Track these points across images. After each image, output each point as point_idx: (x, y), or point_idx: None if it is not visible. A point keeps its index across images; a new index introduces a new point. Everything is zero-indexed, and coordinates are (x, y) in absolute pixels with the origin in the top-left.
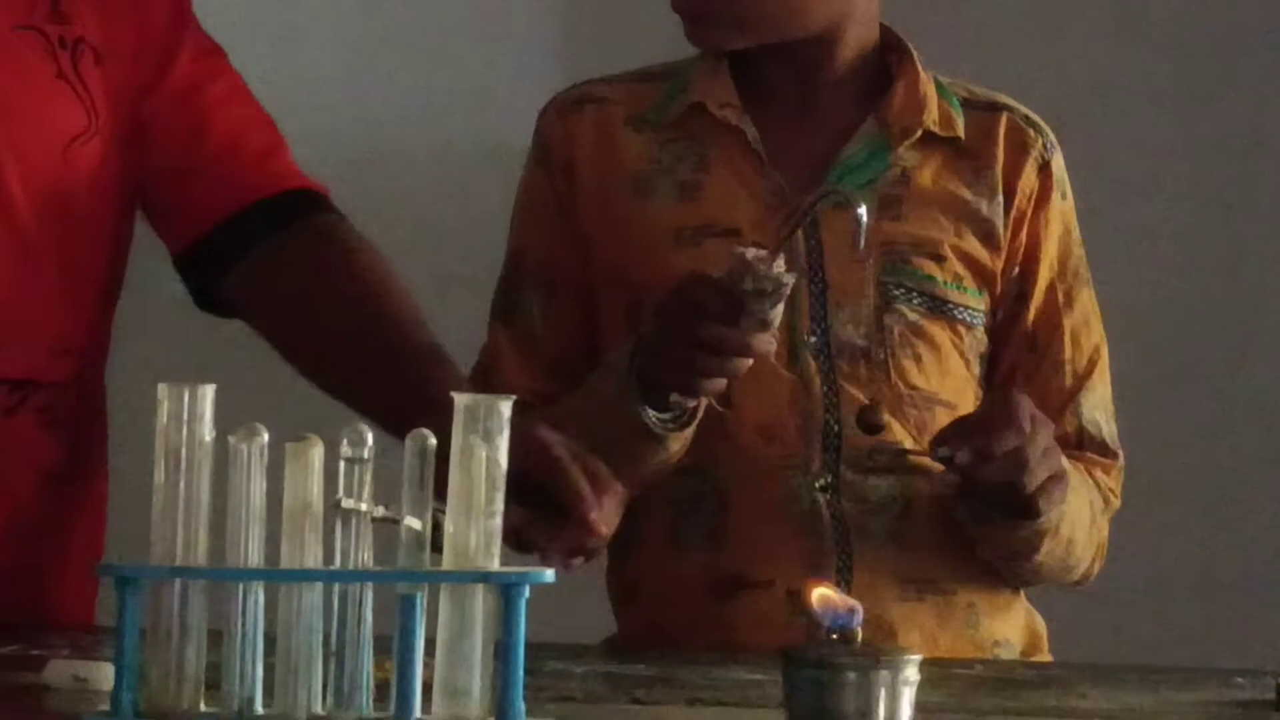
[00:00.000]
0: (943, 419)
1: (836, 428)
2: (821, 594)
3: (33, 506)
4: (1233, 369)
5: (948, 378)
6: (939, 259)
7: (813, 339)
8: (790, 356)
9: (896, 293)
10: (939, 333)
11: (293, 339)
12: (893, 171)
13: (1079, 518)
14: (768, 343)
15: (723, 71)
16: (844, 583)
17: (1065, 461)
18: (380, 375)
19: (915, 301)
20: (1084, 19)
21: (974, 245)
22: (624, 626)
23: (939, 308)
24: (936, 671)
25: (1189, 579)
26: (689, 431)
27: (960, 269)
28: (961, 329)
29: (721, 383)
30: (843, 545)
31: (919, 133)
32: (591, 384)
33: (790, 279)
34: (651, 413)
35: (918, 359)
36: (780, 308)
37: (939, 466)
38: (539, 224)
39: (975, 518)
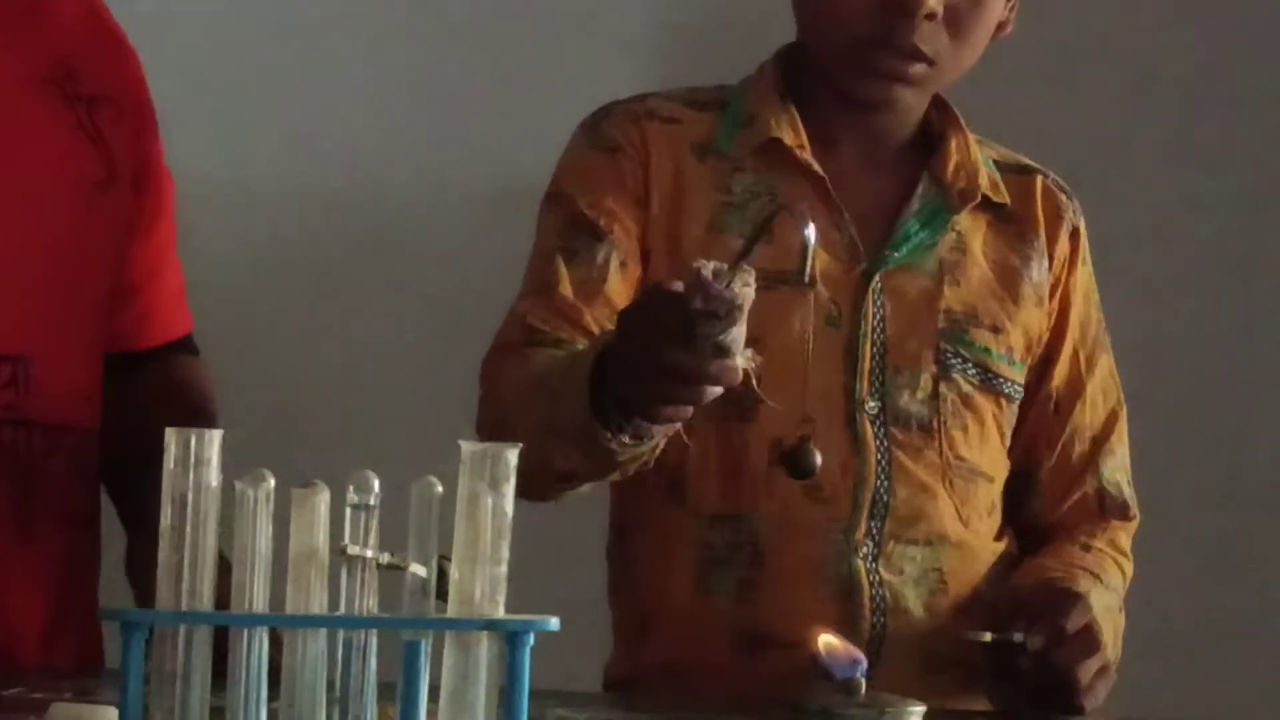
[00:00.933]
0: (984, 491)
1: (886, 497)
2: (827, 642)
3: (65, 553)
4: (1243, 425)
5: (986, 449)
6: (996, 330)
7: (872, 404)
8: (847, 419)
9: (953, 362)
10: (985, 405)
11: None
12: (950, 236)
13: (1115, 649)
14: (729, 371)
15: (790, 110)
16: (875, 652)
17: (1106, 595)
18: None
19: (970, 373)
20: (1097, 76)
21: (1029, 314)
22: (633, 661)
23: (990, 381)
24: None
25: (1197, 631)
26: (645, 450)
27: (1014, 341)
28: (1004, 402)
29: (685, 411)
30: (878, 614)
31: (979, 198)
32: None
33: (747, 299)
34: (606, 434)
35: (964, 430)
36: (740, 332)
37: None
38: (610, 190)
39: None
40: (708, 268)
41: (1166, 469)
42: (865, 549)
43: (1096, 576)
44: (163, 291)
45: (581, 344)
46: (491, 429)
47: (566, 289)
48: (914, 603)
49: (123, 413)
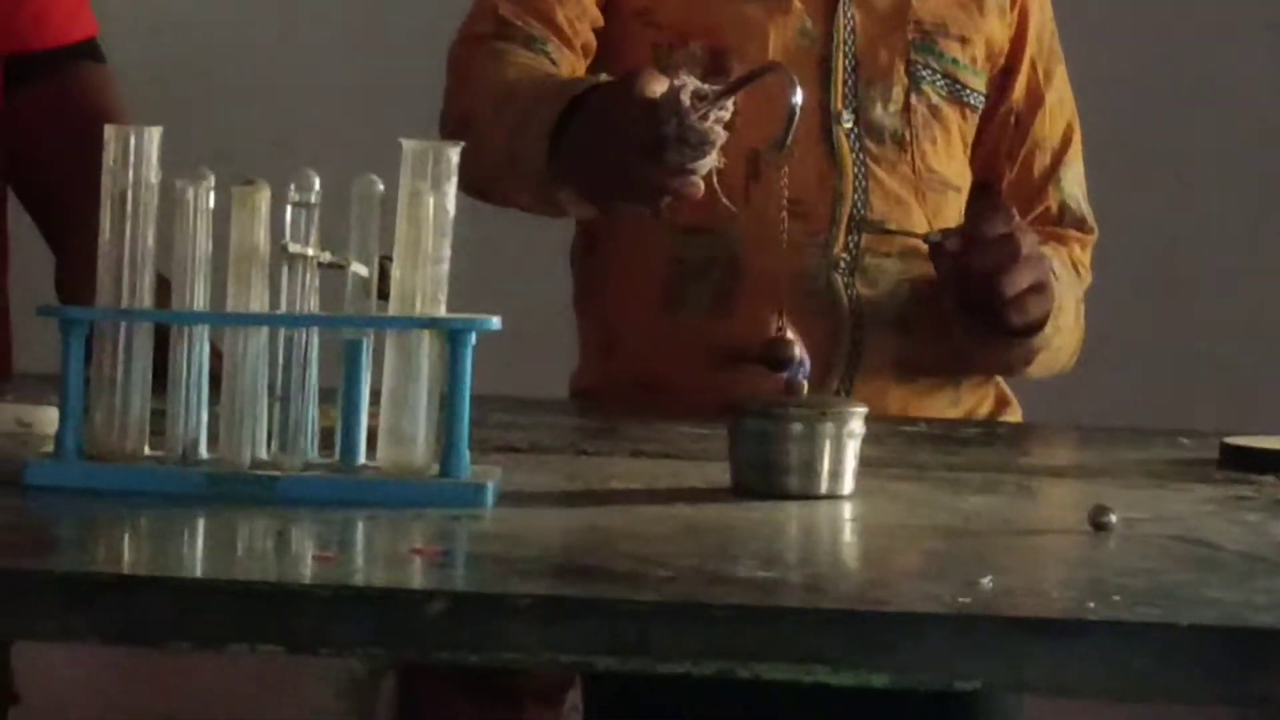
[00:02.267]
0: (953, 202)
1: (863, 210)
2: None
3: None
4: (1181, 137)
5: (953, 161)
6: (963, 41)
7: (847, 119)
8: (823, 133)
9: (924, 74)
10: (952, 116)
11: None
12: None
13: (1068, 327)
14: (691, 186)
15: None
16: (851, 365)
17: (1056, 264)
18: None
19: (939, 84)
20: None
21: (993, 24)
22: (600, 374)
23: (957, 92)
24: (881, 427)
25: (1139, 347)
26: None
27: (977, 51)
28: (968, 113)
29: (634, 210)
30: (856, 328)
31: None
32: (540, 95)
33: (720, 137)
34: (558, 194)
35: (933, 141)
36: (709, 161)
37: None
38: None
39: (969, 333)
40: (688, 89)
41: (1108, 183)
42: (843, 263)
43: (1047, 250)
44: None
45: (552, 45)
46: (456, 127)
47: None
48: (889, 314)
49: (26, 118)
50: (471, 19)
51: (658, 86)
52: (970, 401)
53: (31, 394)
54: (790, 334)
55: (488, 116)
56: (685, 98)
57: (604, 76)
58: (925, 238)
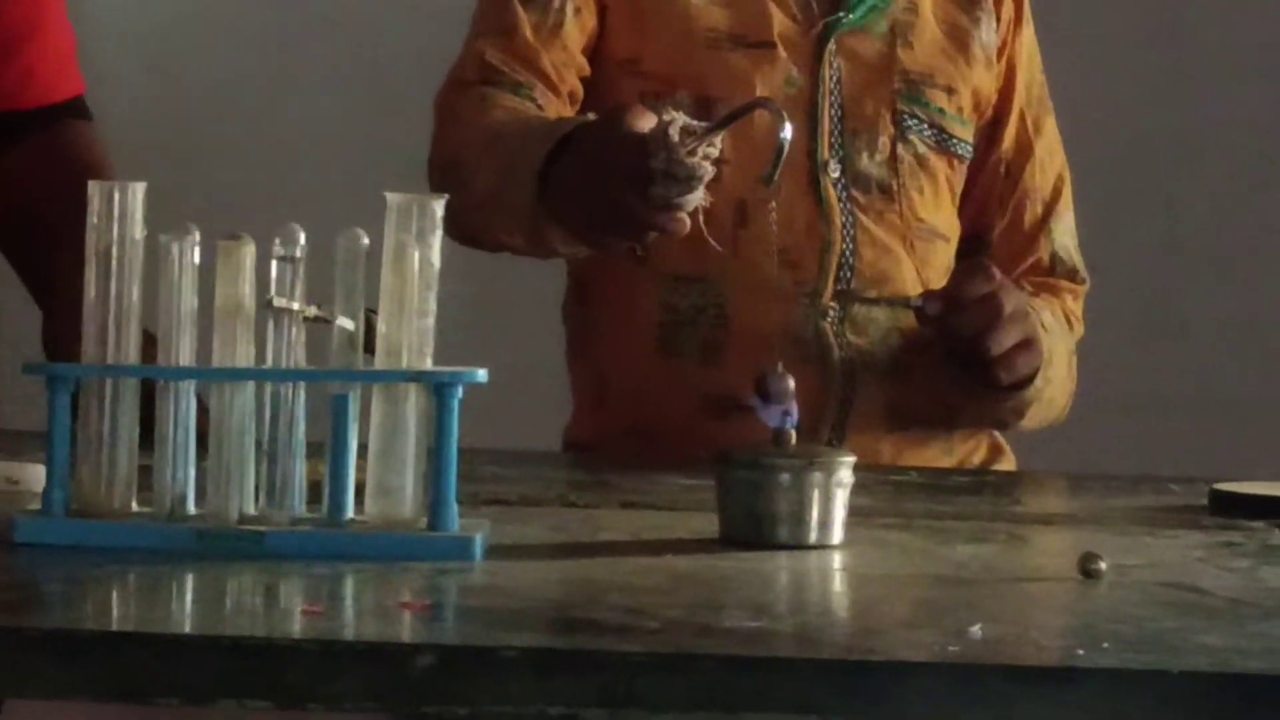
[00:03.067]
0: (942, 251)
1: (851, 259)
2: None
3: None
4: (1173, 187)
5: (941, 210)
6: (950, 91)
7: (834, 169)
8: (810, 182)
9: (910, 123)
10: (939, 166)
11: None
12: None
13: (1060, 379)
14: (677, 223)
15: None
16: (842, 414)
17: (1046, 316)
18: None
19: (926, 134)
20: None
21: (980, 74)
22: (593, 424)
23: (944, 142)
24: (870, 476)
25: (1131, 395)
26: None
27: (964, 101)
28: (956, 163)
29: (621, 246)
30: (847, 377)
31: None
32: (529, 133)
33: (707, 173)
34: (549, 231)
35: (920, 191)
36: (696, 197)
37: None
38: None
39: (959, 389)
40: (677, 124)
41: (1098, 233)
42: (831, 312)
43: (1037, 302)
44: (46, 49)
45: (538, 90)
46: (444, 171)
47: (525, 30)
48: (880, 363)
49: (12, 176)
50: (458, 65)
51: (646, 122)
52: (963, 450)
53: (18, 451)
54: (781, 370)
55: (475, 159)
56: (674, 133)
57: (591, 115)
58: (906, 303)
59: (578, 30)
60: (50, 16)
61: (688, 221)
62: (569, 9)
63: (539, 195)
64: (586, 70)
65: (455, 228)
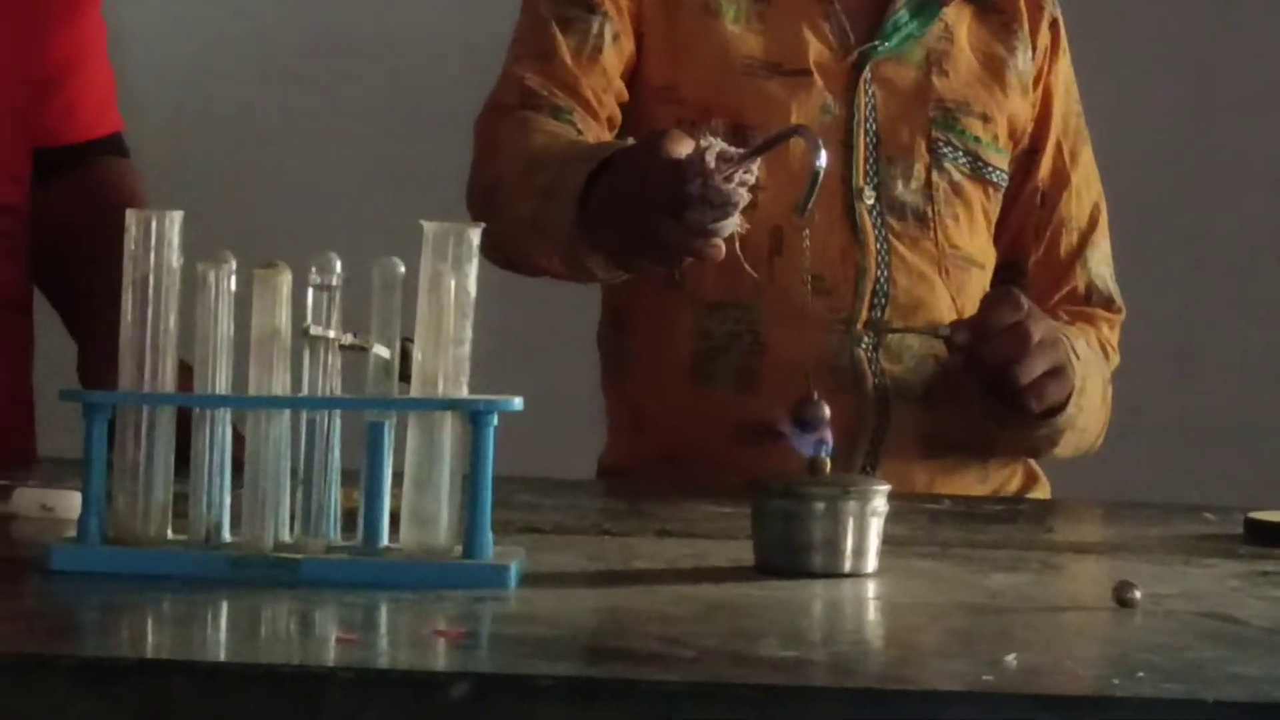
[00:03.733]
0: (976, 279)
1: (886, 287)
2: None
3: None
4: (1204, 217)
5: (977, 238)
6: (985, 119)
7: (869, 196)
8: (845, 209)
9: (945, 151)
10: (974, 194)
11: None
12: (937, 27)
13: (1094, 406)
14: (713, 250)
15: None
16: (876, 441)
17: (1079, 344)
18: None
19: (961, 162)
20: None
21: (1015, 102)
22: (627, 451)
23: (979, 170)
24: (904, 504)
25: (1165, 423)
26: (625, 276)
27: (1000, 129)
28: (991, 191)
29: (657, 271)
30: (881, 404)
31: None
32: (569, 158)
33: (743, 199)
34: (587, 256)
35: (955, 218)
36: (732, 223)
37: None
38: None
39: (992, 417)
40: (713, 150)
41: (1131, 262)
42: (866, 339)
43: (1071, 331)
44: (88, 87)
45: (578, 115)
46: (484, 194)
47: (565, 55)
48: (915, 390)
49: (51, 210)
50: (498, 89)
51: (683, 147)
52: (998, 478)
53: (55, 478)
54: (817, 396)
55: (515, 183)
56: (710, 158)
57: (630, 140)
58: (935, 333)
59: (616, 56)
60: (91, 55)
61: (723, 247)
62: (608, 35)
63: (577, 220)
64: (625, 96)
65: (494, 251)
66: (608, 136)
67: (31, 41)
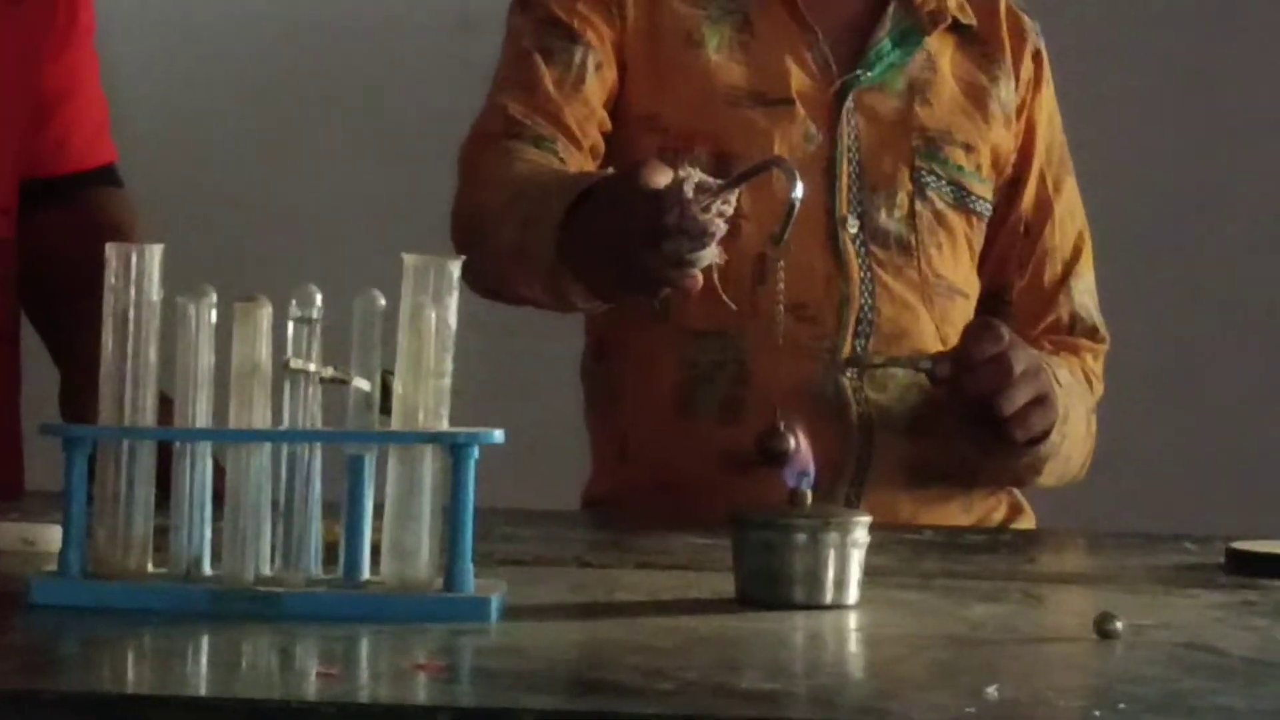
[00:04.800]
0: (960, 308)
1: (870, 315)
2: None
3: None
4: (1199, 245)
5: (960, 267)
6: (969, 149)
7: (853, 225)
8: (828, 237)
9: (928, 180)
10: (958, 223)
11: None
12: (920, 56)
13: (1078, 435)
14: (690, 280)
15: None
16: (860, 471)
17: (1062, 373)
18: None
19: (944, 191)
20: None
21: (998, 132)
22: (612, 482)
23: (963, 199)
24: (886, 535)
25: (1148, 453)
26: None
27: (983, 159)
28: (974, 220)
29: (636, 300)
30: (865, 433)
31: (949, 19)
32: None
33: (720, 230)
34: (569, 286)
35: (939, 247)
36: (708, 254)
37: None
38: (587, 7)
39: (976, 446)
40: (692, 181)
41: (1120, 290)
42: (852, 369)
43: (1055, 360)
44: (80, 118)
45: (561, 144)
46: (467, 223)
47: (548, 85)
48: (899, 419)
49: (42, 241)
50: (482, 118)
51: (662, 177)
52: (983, 509)
53: (37, 512)
54: (784, 427)
55: (498, 211)
56: (688, 189)
57: (611, 170)
58: (916, 366)
59: (599, 85)
60: (84, 86)
61: (700, 278)
62: (590, 64)
63: (558, 249)
64: (608, 125)
65: (477, 280)
66: (591, 166)
67: (24, 72)
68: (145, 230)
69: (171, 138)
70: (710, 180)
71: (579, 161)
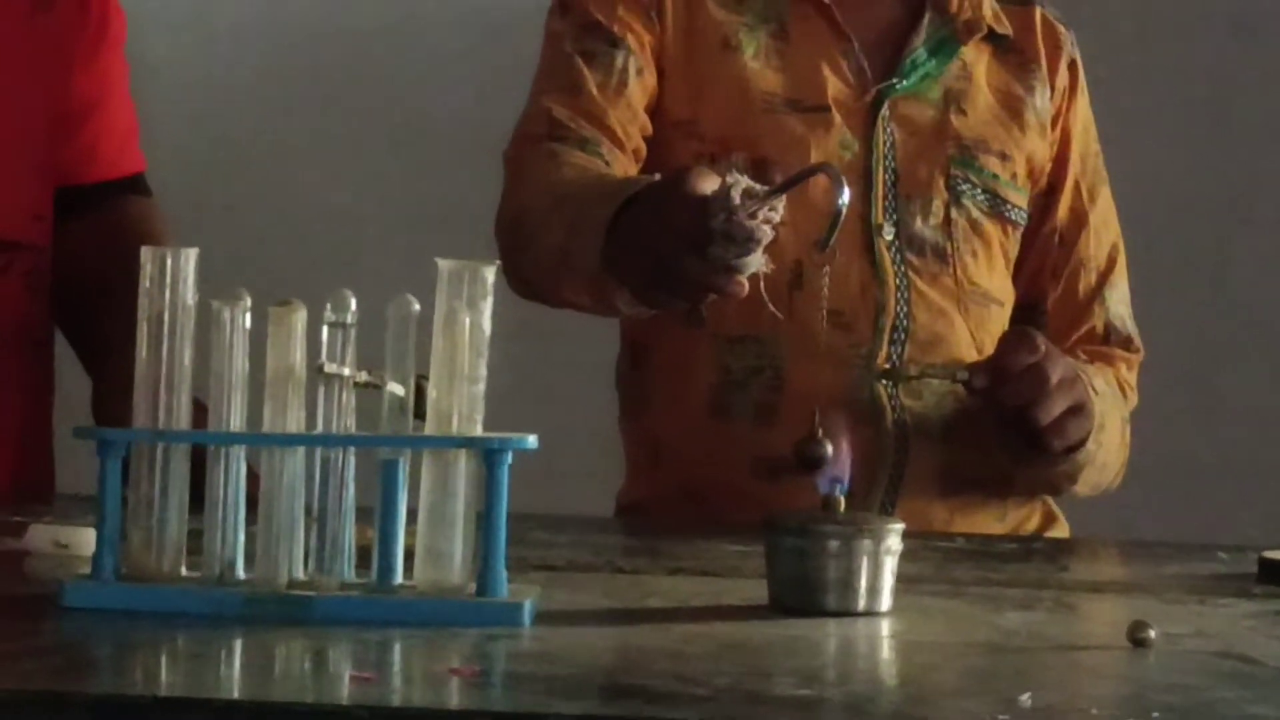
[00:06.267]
0: (996, 316)
1: (906, 322)
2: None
3: (18, 371)
4: (1223, 260)
5: (995, 275)
6: (1004, 157)
7: (888, 232)
8: (865, 245)
9: (964, 188)
10: (993, 231)
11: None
12: (955, 65)
13: (1113, 444)
14: (736, 286)
15: None
16: (895, 478)
17: (1098, 381)
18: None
19: (980, 199)
20: None
21: (1034, 141)
22: (646, 487)
23: (998, 207)
24: (918, 542)
25: (1180, 462)
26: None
27: (1018, 168)
28: (1009, 228)
29: (680, 306)
30: (900, 440)
31: (984, 29)
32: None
33: (766, 236)
34: (614, 292)
35: (974, 255)
36: (755, 260)
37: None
38: (621, 1)
39: (1012, 455)
40: (739, 187)
41: (1147, 301)
42: (886, 379)
43: (1090, 369)
44: (110, 126)
45: (605, 147)
46: (512, 225)
47: (591, 88)
48: (934, 427)
49: (72, 249)
50: (526, 120)
51: (708, 184)
52: (1016, 518)
53: (70, 515)
54: (823, 434)
55: (542, 215)
56: (736, 195)
57: (658, 175)
58: (953, 378)
59: (640, 90)
60: (114, 95)
61: (746, 284)
62: (631, 69)
63: (603, 255)
64: (649, 129)
65: (521, 283)
66: (634, 169)
67: (54, 81)
68: (174, 239)
69: (205, 144)
70: (757, 186)
71: (624, 165)
